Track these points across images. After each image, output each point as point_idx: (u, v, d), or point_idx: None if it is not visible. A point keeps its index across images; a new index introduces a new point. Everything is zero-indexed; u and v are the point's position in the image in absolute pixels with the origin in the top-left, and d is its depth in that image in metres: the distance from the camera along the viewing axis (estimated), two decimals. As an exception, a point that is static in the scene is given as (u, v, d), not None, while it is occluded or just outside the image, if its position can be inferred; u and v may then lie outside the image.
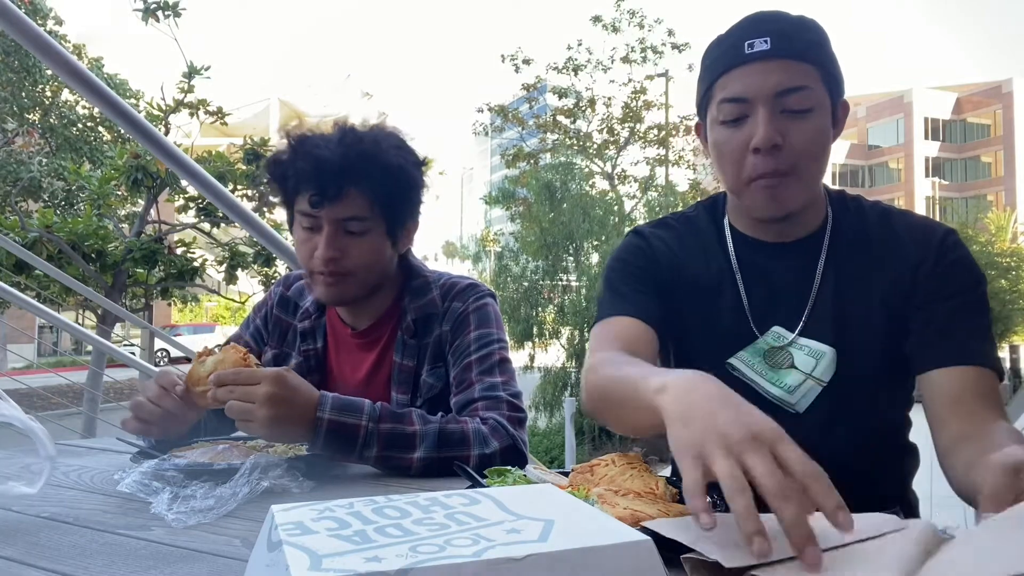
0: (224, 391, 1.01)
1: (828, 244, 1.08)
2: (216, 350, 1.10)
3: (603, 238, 11.22)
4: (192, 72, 7.76)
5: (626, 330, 1.09)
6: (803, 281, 1.08)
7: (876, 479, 1.10)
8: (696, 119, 1.14)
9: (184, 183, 7.29)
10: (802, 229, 1.10)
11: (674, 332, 1.16)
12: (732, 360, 1.10)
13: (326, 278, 1.23)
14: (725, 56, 1.02)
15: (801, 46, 0.99)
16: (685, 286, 1.14)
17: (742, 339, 1.10)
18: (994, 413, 0.95)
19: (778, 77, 0.98)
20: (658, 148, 14.54)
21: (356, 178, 1.19)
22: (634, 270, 1.16)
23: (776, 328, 1.08)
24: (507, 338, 1.35)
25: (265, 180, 1.18)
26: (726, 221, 1.16)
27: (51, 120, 14.93)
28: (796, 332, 1.07)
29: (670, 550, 0.58)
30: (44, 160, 14.43)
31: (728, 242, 1.14)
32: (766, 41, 0.98)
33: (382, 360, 1.32)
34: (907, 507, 1.12)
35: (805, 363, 1.06)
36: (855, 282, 1.07)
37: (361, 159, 1.19)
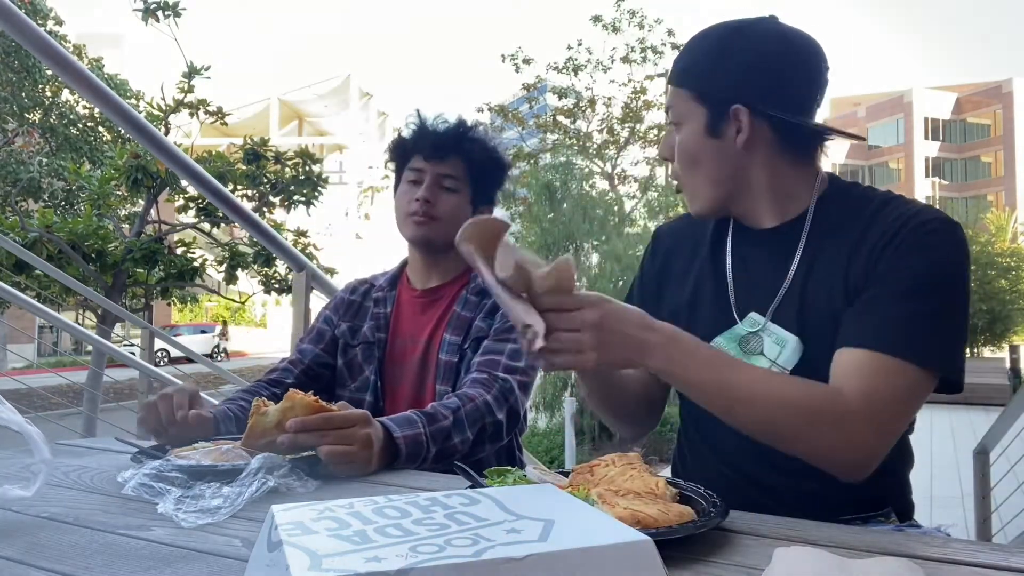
0: (310, 437, 1.05)
1: (809, 231, 1.08)
2: (267, 400, 1.10)
3: (603, 238, 11.20)
4: (192, 72, 7.75)
5: None
6: (780, 267, 1.09)
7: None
8: None
9: (184, 183, 7.29)
10: (777, 217, 1.11)
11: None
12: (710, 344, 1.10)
13: (418, 218, 1.50)
14: None
15: (676, 73, 1.13)
16: (673, 276, 1.23)
17: (723, 324, 1.11)
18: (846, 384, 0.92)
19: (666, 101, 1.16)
20: (658, 148, 14.52)
21: (460, 148, 1.53)
22: (638, 275, 1.33)
23: (752, 314, 1.09)
24: None
25: (388, 149, 1.51)
26: None
27: (51, 120, 14.94)
28: (767, 318, 1.08)
29: (670, 550, 0.59)
30: (44, 160, 14.45)
31: (729, 231, 1.18)
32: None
33: (443, 317, 1.53)
34: (901, 509, 1.10)
35: (771, 350, 1.06)
36: (825, 270, 1.05)
37: (468, 137, 1.54)
